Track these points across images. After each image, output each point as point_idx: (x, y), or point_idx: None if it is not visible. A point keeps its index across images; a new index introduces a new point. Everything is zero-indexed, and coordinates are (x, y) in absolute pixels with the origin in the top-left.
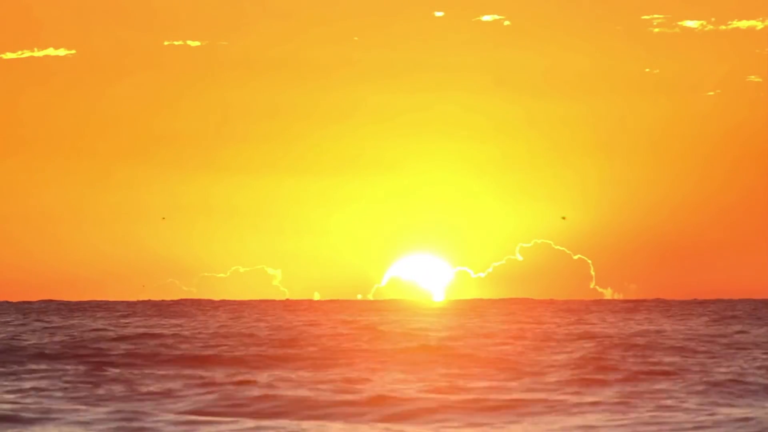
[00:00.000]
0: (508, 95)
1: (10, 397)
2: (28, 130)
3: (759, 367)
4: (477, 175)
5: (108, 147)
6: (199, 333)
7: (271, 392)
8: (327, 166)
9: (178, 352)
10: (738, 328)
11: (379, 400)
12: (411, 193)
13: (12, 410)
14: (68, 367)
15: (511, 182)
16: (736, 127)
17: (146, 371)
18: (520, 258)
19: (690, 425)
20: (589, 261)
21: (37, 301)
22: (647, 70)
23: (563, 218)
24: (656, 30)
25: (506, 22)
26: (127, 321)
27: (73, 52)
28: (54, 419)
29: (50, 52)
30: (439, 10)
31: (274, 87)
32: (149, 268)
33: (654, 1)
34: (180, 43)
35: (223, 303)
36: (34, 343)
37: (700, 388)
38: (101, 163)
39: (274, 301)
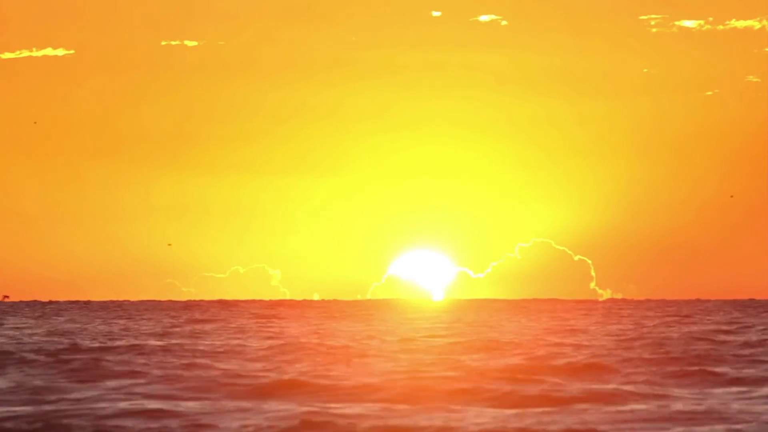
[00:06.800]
0: (505, 95)
1: None
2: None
3: None
4: (476, 174)
5: (105, 147)
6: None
7: None
8: (326, 165)
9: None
10: None
11: None
12: (410, 192)
13: None
14: None
15: (511, 182)
16: (735, 127)
17: None
18: (519, 257)
19: None
20: (590, 261)
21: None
22: (645, 70)
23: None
24: (654, 30)
25: (503, 22)
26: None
27: (72, 52)
28: None
29: (48, 52)
30: (436, 10)
31: (274, 86)
32: (143, 268)
33: (652, 2)
34: (177, 43)
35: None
36: None
37: None
38: (96, 162)
39: (265, 301)
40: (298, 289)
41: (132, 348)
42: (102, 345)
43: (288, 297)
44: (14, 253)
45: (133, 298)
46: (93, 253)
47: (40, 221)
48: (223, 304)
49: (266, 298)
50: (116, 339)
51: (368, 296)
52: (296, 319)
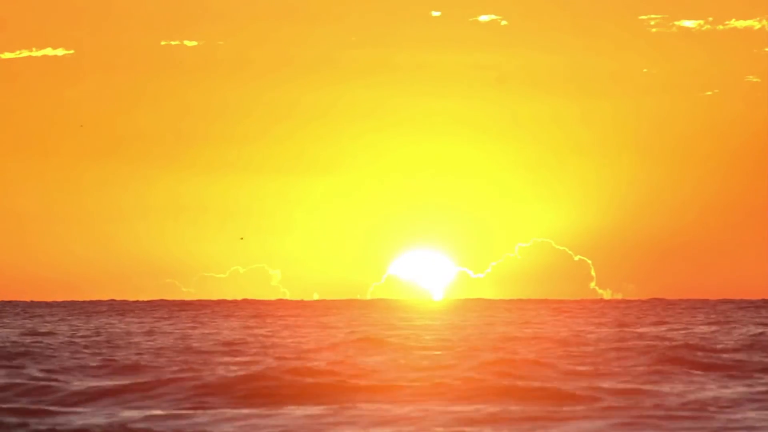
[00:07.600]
0: (504, 94)
1: None
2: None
3: None
4: (476, 173)
5: (104, 146)
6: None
7: None
8: (325, 164)
9: None
10: None
11: None
12: (409, 192)
13: None
14: None
15: (510, 182)
16: (735, 128)
17: None
18: (519, 257)
19: None
20: (590, 261)
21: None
22: (645, 70)
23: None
24: (654, 30)
25: (503, 22)
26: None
27: (71, 52)
28: None
29: (48, 51)
30: (436, 10)
31: (273, 85)
32: (142, 268)
33: (651, 1)
34: (177, 43)
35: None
36: None
37: None
38: (95, 162)
39: (261, 301)
40: (299, 289)
41: None
42: None
43: (288, 297)
44: (11, 254)
45: (132, 298)
46: (91, 253)
47: (37, 221)
48: (219, 304)
49: (266, 298)
50: None
51: (368, 296)
52: (263, 317)
